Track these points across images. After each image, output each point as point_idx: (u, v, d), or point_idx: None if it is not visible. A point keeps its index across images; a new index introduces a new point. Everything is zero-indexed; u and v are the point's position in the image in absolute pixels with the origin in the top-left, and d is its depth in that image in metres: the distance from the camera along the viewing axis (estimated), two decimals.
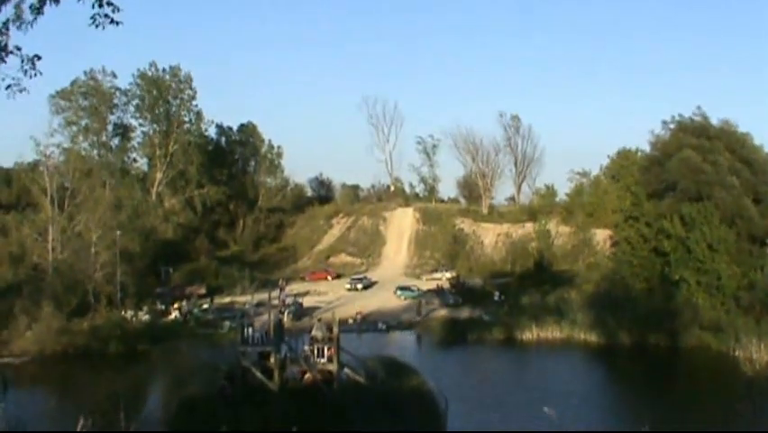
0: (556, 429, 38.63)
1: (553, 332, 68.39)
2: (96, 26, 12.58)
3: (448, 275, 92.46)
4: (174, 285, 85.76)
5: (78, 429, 10.41)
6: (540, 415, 42.29)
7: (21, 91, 13.08)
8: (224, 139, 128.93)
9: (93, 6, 12.50)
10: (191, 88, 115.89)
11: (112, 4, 12.56)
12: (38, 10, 12.53)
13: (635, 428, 35.22)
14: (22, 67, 12.81)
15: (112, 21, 12.62)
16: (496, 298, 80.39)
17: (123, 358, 61.98)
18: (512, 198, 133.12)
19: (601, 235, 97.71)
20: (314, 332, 46.30)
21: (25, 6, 12.37)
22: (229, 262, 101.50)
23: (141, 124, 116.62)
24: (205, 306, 79.31)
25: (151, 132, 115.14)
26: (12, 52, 12.77)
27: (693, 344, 62.70)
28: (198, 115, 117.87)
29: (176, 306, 77.59)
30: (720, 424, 41.19)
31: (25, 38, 13.05)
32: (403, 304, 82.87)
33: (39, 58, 12.97)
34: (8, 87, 12.82)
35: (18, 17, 12.36)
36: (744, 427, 40.07)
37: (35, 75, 13.00)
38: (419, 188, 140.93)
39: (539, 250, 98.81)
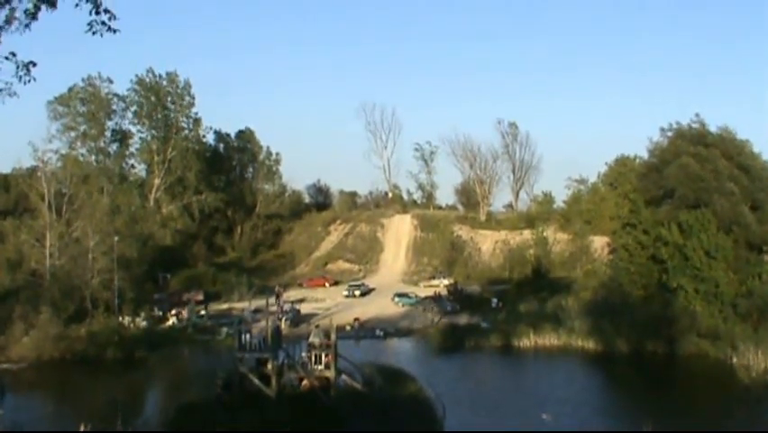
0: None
1: (550, 339, 68.33)
2: (93, 33, 12.64)
3: (446, 282, 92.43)
4: (172, 291, 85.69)
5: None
6: (537, 421, 42.44)
7: (11, 95, 13.13)
8: (222, 145, 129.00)
9: (90, 13, 12.57)
10: (190, 95, 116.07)
11: (108, 11, 12.62)
12: (32, 15, 12.58)
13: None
14: (17, 73, 12.85)
15: (109, 28, 12.67)
16: (493, 304, 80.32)
17: (120, 364, 61.88)
18: (510, 205, 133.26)
19: (599, 243, 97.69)
20: (311, 339, 46.33)
21: (20, 10, 12.43)
22: (227, 269, 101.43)
23: (139, 131, 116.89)
24: (203, 312, 79.29)
25: (149, 138, 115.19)
26: (7, 58, 12.82)
27: (691, 351, 62.61)
28: (196, 121, 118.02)
29: (173, 312, 77.55)
30: (717, 428, 41.25)
31: (23, 44, 13.10)
32: (401, 311, 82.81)
33: (34, 64, 13.01)
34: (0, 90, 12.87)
35: (9, 20, 12.40)
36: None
37: (29, 81, 13.05)
38: (417, 195, 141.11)
39: (537, 257, 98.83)
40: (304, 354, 45.86)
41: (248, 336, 47.09)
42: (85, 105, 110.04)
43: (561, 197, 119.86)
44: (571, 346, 67.21)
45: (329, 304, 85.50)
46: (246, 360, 44.93)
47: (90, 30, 12.63)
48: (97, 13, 12.58)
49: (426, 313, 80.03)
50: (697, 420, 44.03)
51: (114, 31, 12.73)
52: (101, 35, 12.69)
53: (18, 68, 12.94)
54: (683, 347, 62.92)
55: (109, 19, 12.66)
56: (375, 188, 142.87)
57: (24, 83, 13.11)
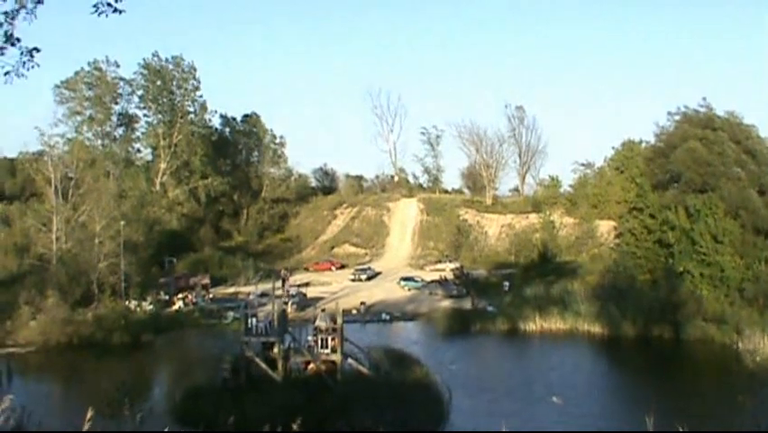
0: (561, 427, 38.61)
1: (556, 323, 68.30)
2: (99, 14, 12.56)
3: (452, 266, 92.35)
4: (178, 275, 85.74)
5: (86, 420, 10.39)
6: (544, 405, 42.46)
7: (19, 76, 13.06)
8: (227, 129, 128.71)
9: None
10: (195, 78, 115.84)
11: None
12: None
13: (637, 420, 35.19)
14: (21, 58, 12.80)
15: (115, 9, 12.59)
16: (505, 288, 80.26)
17: (127, 348, 62.14)
18: (516, 189, 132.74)
19: (605, 227, 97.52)
20: (317, 322, 46.48)
21: None
22: (233, 253, 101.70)
23: (145, 115, 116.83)
24: (210, 296, 79.51)
25: (155, 122, 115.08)
26: (13, 44, 12.78)
27: (697, 336, 62.58)
28: (202, 105, 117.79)
29: (180, 296, 77.70)
30: (722, 416, 41.13)
31: (30, 28, 13.03)
32: (407, 294, 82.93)
33: (38, 50, 12.96)
34: (6, 73, 12.79)
35: (21, 5, 12.34)
36: (745, 419, 39.97)
37: (33, 67, 12.99)
38: (423, 179, 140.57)
39: (543, 241, 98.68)
40: (310, 338, 46.07)
41: (254, 320, 47.27)
42: (91, 90, 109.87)
43: (567, 181, 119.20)
44: (577, 330, 67.22)
45: (335, 288, 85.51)
46: (252, 344, 45.13)
47: (96, 11, 12.56)
48: None
49: (432, 297, 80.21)
50: (703, 406, 44.01)
51: (121, 12, 12.64)
52: (107, 16, 12.61)
53: (22, 53, 12.90)
54: (689, 332, 62.90)
55: (116, 0, 12.58)
56: (381, 172, 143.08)
57: (28, 69, 13.07)
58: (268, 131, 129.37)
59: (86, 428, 10.30)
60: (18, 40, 12.79)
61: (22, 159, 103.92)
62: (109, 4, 12.55)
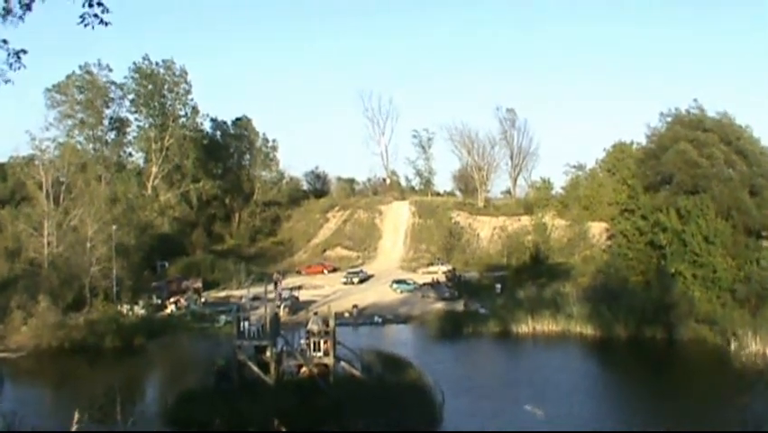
0: (555, 427, 38.63)
1: (548, 325, 68.23)
2: (85, 25, 12.58)
3: (444, 268, 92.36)
4: (170, 279, 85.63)
5: (74, 424, 10.37)
6: (532, 406, 42.48)
7: (6, 82, 13.07)
8: (219, 133, 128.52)
9: (83, 5, 12.50)
10: (186, 82, 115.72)
11: (102, 4, 12.55)
12: (27, 6, 12.52)
13: (627, 420, 35.25)
14: (8, 60, 12.80)
15: (101, 21, 12.60)
16: (498, 290, 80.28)
17: (119, 352, 61.93)
18: (508, 192, 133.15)
19: (597, 229, 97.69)
20: (310, 326, 46.46)
21: (14, 1, 12.37)
22: (225, 256, 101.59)
23: (136, 119, 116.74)
24: (202, 300, 79.37)
25: (147, 126, 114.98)
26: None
27: (689, 337, 62.66)
28: (194, 109, 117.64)
29: (172, 300, 77.53)
30: (711, 416, 41.22)
31: (20, 32, 13.02)
32: (399, 297, 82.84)
33: (24, 52, 12.96)
34: None
35: (6, 11, 12.34)
36: (734, 419, 40.06)
37: (20, 68, 13.00)
38: (415, 182, 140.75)
39: (535, 243, 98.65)
40: (302, 342, 46.01)
41: (246, 323, 47.17)
42: (82, 93, 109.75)
43: (559, 183, 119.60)
44: (570, 332, 67.18)
45: (327, 291, 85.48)
46: (245, 347, 45.05)
47: (82, 22, 12.57)
48: (90, 5, 12.51)
49: (424, 299, 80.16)
50: (695, 407, 44.07)
51: (107, 24, 12.65)
52: (93, 28, 12.61)
53: (9, 55, 12.90)
54: (681, 333, 62.98)
55: (102, 12, 12.59)
56: (373, 175, 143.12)
57: (15, 70, 13.08)
58: (259, 134, 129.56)
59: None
60: (5, 41, 12.80)
61: (12, 163, 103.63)
62: (96, 16, 12.56)
